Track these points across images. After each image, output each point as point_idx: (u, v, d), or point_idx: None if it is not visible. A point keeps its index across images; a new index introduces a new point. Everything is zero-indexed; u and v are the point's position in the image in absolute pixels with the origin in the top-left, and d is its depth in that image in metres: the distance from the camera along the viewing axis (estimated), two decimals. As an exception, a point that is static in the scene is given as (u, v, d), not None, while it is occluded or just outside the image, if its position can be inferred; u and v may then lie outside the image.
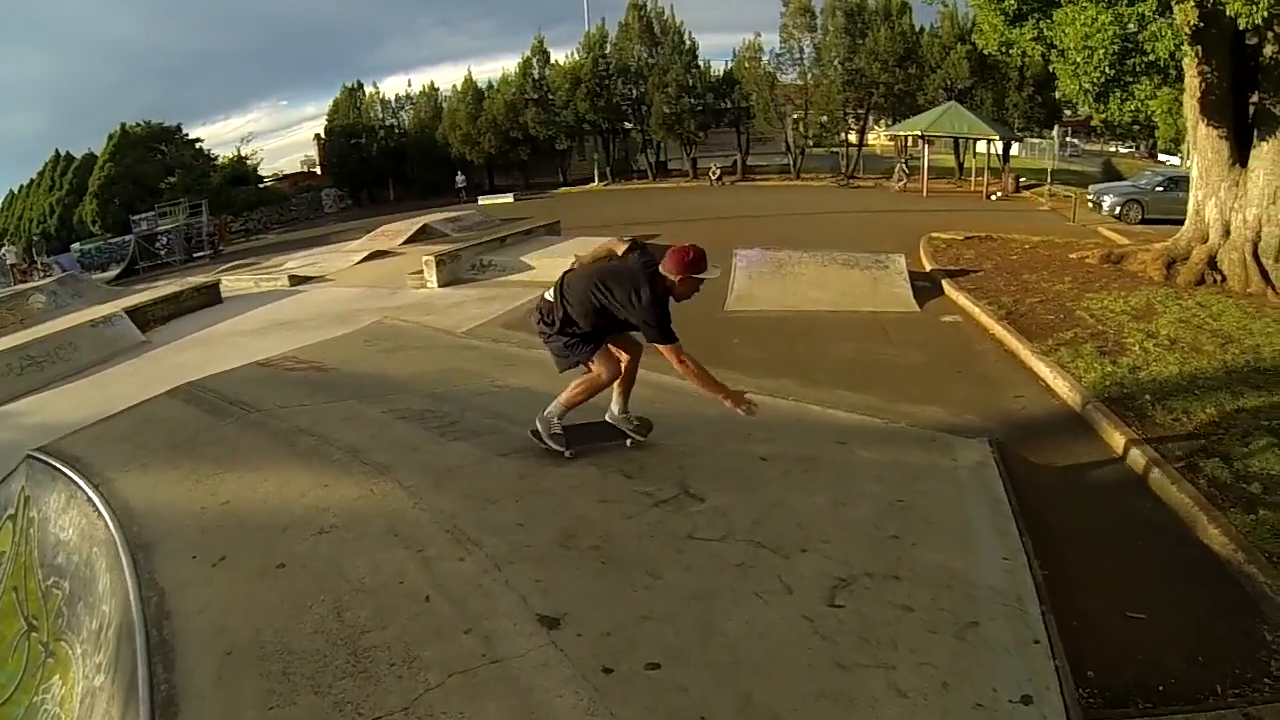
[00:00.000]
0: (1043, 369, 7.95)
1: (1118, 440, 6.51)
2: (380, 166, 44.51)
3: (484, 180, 43.08)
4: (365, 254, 17.13)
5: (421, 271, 13.13)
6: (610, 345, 4.78)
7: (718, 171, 37.79)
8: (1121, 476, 6.09)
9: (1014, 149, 34.00)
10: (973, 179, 31.16)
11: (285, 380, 7.51)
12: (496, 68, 50.43)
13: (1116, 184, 22.93)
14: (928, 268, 13.02)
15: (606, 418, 5.30)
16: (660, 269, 4.47)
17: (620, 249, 4.93)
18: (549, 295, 4.77)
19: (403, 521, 4.32)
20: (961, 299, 10.78)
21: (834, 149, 40.58)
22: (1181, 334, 9.06)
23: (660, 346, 4.46)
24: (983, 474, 5.45)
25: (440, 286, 12.68)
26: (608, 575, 3.92)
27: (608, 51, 39.41)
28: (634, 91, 39.77)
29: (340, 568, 3.93)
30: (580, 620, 3.50)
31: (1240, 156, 11.67)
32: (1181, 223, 19.33)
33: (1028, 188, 28.95)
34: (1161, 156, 43.88)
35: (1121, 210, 19.82)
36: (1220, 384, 7.85)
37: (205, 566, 4.08)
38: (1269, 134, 11.23)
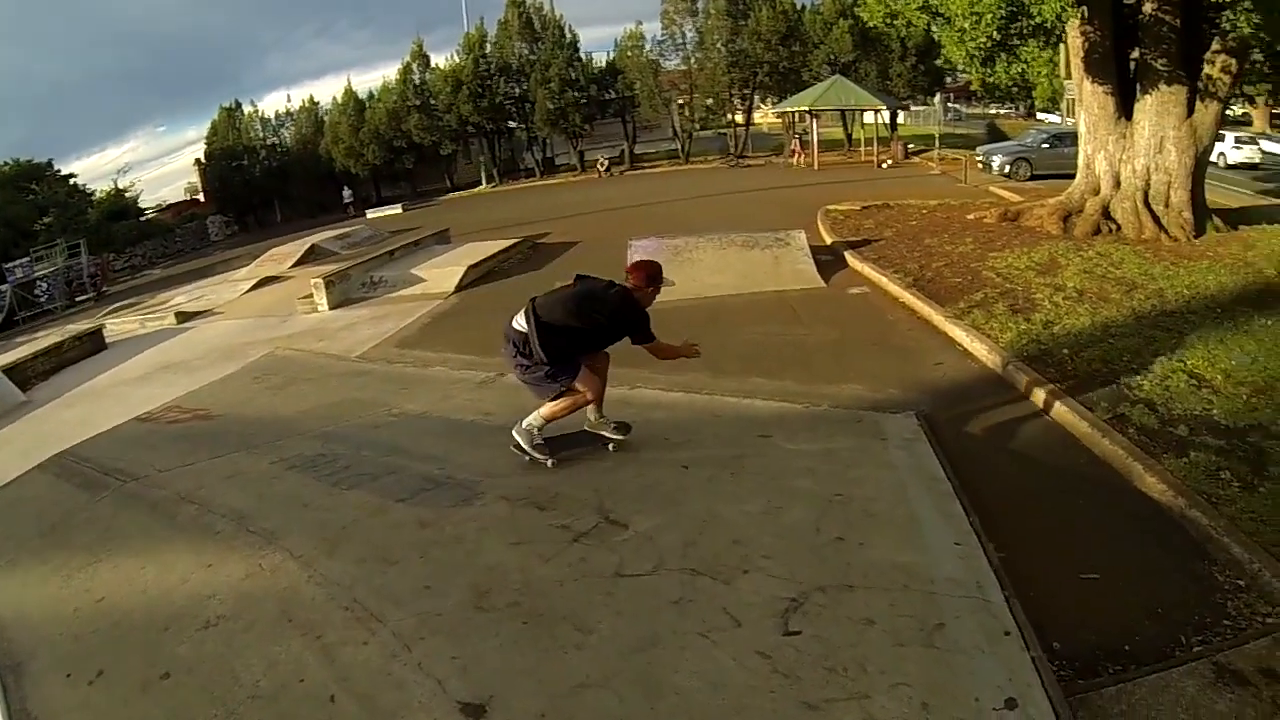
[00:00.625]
0: (958, 333, 7.97)
1: (1043, 398, 6.55)
2: (265, 188, 43.66)
3: (371, 193, 42.75)
4: (254, 282, 16.59)
5: (311, 295, 12.56)
6: (586, 364, 5.09)
7: (605, 163, 38.30)
8: (1052, 434, 6.15)
9: (900, 117, 35.40)
10: (862, 149, 32.21)
11: (167, 436, 7.13)
12: (378, 76, 49.66)
13: (1004, 144, 24.09)
14: (828, 241, 13.09)
15: (585, 426, 5.44)
16: (634, 288, 5.17)
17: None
18: (519, 325, 4.93)
19: (296, 601, 3.96)
20: (867, 269, 10.83)
21: (721, 130, 41.57)
22: (1087, 285, 9.34)
23: (649, 346, 5.16)
24: (915, 451, 5.31)
25: (332, 309, 12.25)
26: (533, 638, 3.51)
27: (488, 51, 39.63)
28: (517, 89, 40.08)
29: (231, 669, 3.47)
30: (508, 702, 3.09)
31: (1125, 110, 12.39)
32: (1068, 177, 20.49)
33: (917, 154, 30.10)
34: (1040, 115, 46.79)
35: (1011, 169, 20.78)
36: (1132, 331, 8.10)
37: (81, 686, 3.56)
38: (1151, 87, 11.91)
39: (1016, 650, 3.25)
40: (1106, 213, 12.31)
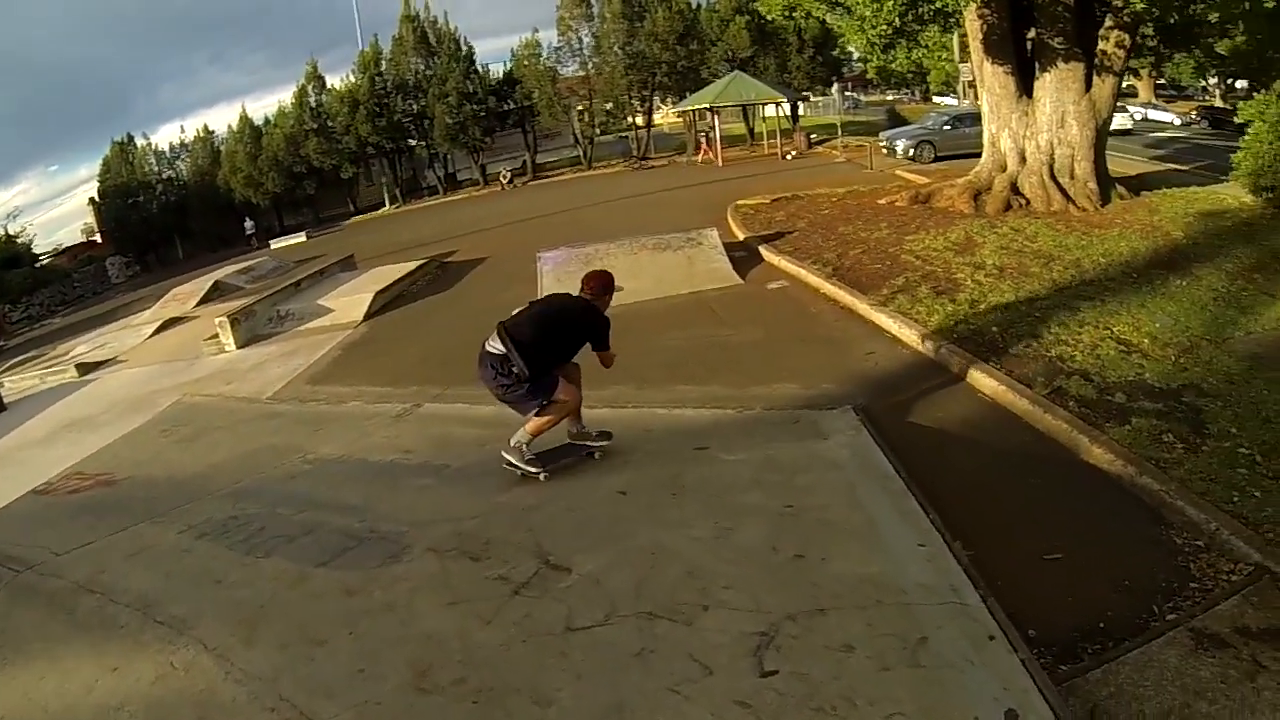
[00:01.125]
0: (885, 320, 7.96)
1: (981, 380, 6.56)
2: (164, 224, 41.52)
3: (274, 222, 41.32)
4: (157, 325, 15.66)
5: (217, 335, 11.86)
6: (561, 376, 5.29)
7: (508, 175, 38.05)
8: (994, 415, 6.16)
9: (801, 109, 36.23)
10: (765, 143, 32.72)
11: (67, 510, 6.51)
12: (274, 102, 48.02)
13: (907, 128, 24.84)
14: (741, 236, 13.07)
15: (568, 438, 5.62)
16: (592, 299, 5.48)
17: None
18: (494, 348, 5.10)
19: (215, 704, 3.53)
20: (784, 263, 10.81)
21: (622, 134, 41.90)
22: (1006, 261, 9.54)
23: (602, 354, 5.41)
24: (860, 448, 5.17)
25: (239, 348, 11.64)
26: (486, 718, 3.16)
27: (384, 69, 38.98)
28: (415, 106, 39.43)
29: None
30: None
31: (1025, 88, 12.93)
32: (971, 157, 21.28)
33: (820, 143, 30.83)
34: (936, 98, 48.81)
35: (915, 152, 21.39)
36: (1055, 303, 8.27)
37: None
38: (1049, 65, 12.44)
39: (1004, 654, 3.14)
40: (1015, 188, 12.72)
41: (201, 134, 42.87)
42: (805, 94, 36.56)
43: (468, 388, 7.75)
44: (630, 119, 39.99)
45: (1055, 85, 12.45)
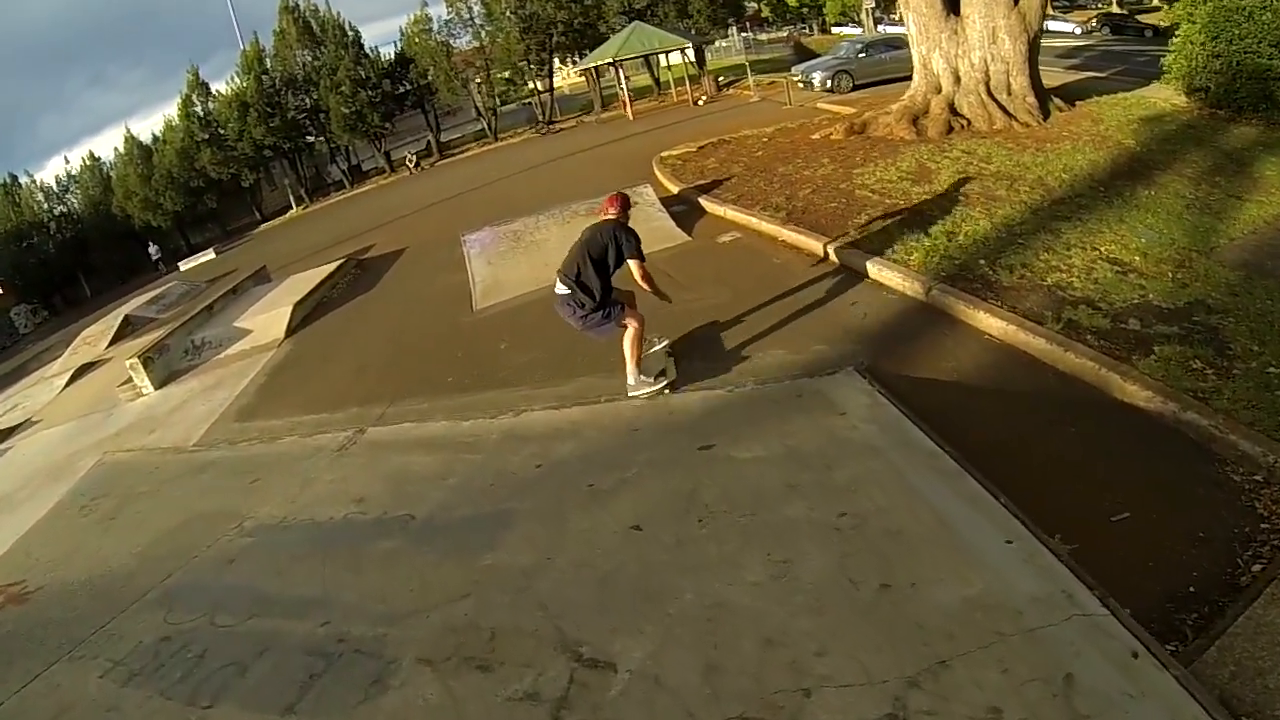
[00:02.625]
0: (861, 264, 7.16)
1: (985, 321, 5.87)
2: (63, 263, 38.29)
3: (180, 243, 38.70)
4: (69, 375, 13.72)
5: (131, 379, 10.19)
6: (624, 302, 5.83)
7: (414, 158, 35.97)
8: (1009, 359, 5.51)
9: (706, 54, 35.10)
10: (674, 91, 31.62)
11: None
12: (160, 118, 44.20)
13: (821, 59, 23.96)
14: (674, 189, 12.06)
15: (630, 395, 5.73)
16: (617, 219, 5.84)
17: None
18: (561, 291, 5.74)
19: None
20: (730, 212, 9.90)
21: (525, 100, 40.09)
22: (968, 187, 8.87)
23: (636, 262, 5.66)
24: (888, 423, 4.38)
25: (158, 388, 10.13)
26: None
27: (270, 66, 36.30)
28: (307, 101, 37.02)
29: None
30: None
31: (952, 6, 12.20)
32: (889, 83, 20.84)
33: (729, 85, 29.89)
34: (835, 29, 48.38)
35: (833, 83, 20.63)
36: (1034, 226, 7.65)
37: None
38: None
39: (1155, 674, 2.60)
40: (953, 109, 12.08)
41: (88, 162, 39.71)
42: (709, 38, 35.35)
43: (411, 400, 6.89)
44: (531, 84, 38.14)
45: (983, 1, 11.84)
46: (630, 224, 5.91)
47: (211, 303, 12.60)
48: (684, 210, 10.58)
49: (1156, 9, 37.34)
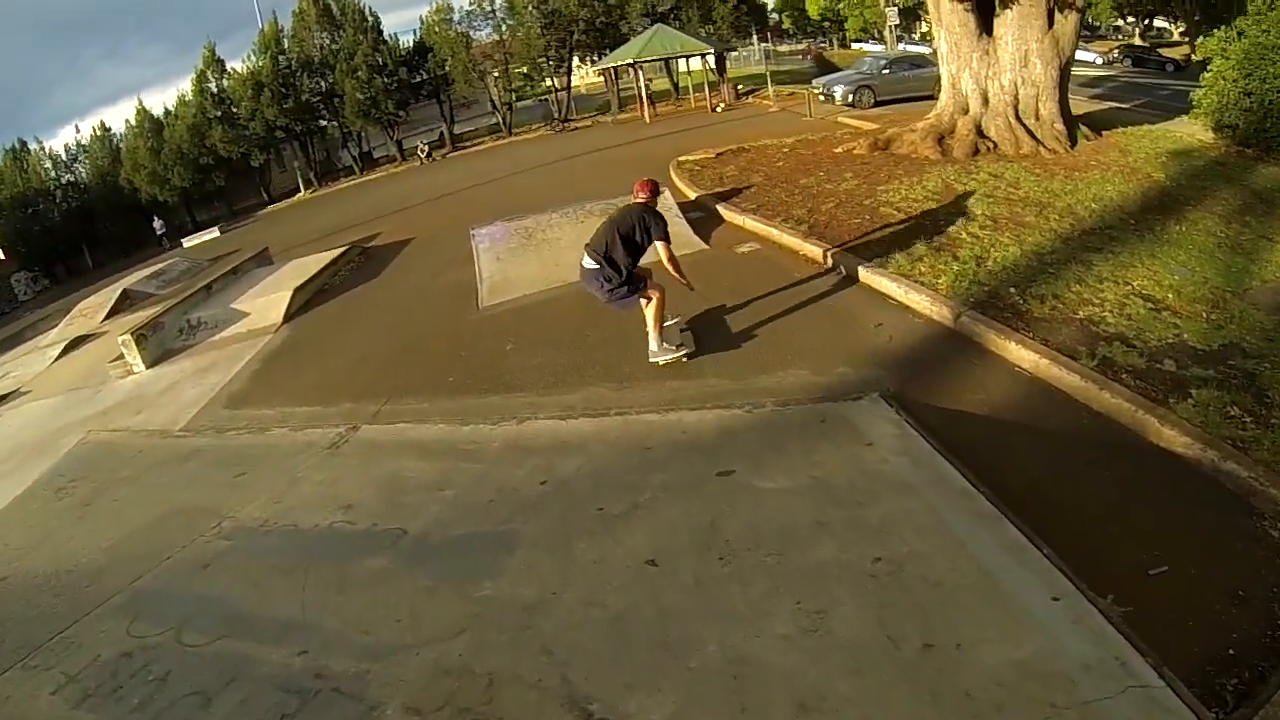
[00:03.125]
0: (887, 284, 6.90)
1: (1016, 352, 5.63)
2: (68, 232, 37.80)
3: (185, 219, 38.31)
4: (63, 346, 13.44)
5: (123, 355, 9.88)
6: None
7: (425, 148, 35.53)
8: (1041, 394, 5.27)
9: (726, 61, 34.86)
10: (691, 97, 31.39)
11: None
12: (174, 93, 43.58)
13: (843, 73, 23.69)
14: (692, 195, 11.81)
15: (652, 359, 6.20)
16: (646, 202, 6.27)
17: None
18: (590, 265, 6.06)
19: None
20: (749, 222, 9.64)
21: (542, 97, 39.69)
22: (996, 211, 8.62)
23: (663, 244, 6.06)
24: (919, 456, 4.12)
25: (149, 367, 9.79)
26: None
27: (287, 47, 35.84)
28: (323, 84, 36.55)
29: None
30: None
31: (985, 26, 11.96)
32: (912, 101, 20.62)
33: (748, 94, 29.65)
34: (855, 45, 48.13)
35: (854, 97, 20.38)
36: (1064, 255, 7.39)
37: None
38: (1011, 1, 11.50)
39: None
40: (980, 131, 11.84)
41: (99, 132, 39.10)
42: (731, 45, 35.10)
43: (409, 398, 6.58)
44: (549, 81, 37.78)
45: (1018, 22, 11.59)
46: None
47: (210, 282, 12.31)
48: (701, 217, 10.33)
49: (1178, 43, 37.26)
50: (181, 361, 9.70)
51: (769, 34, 48.38)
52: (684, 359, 6.10)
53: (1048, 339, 5.77)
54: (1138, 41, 38.79)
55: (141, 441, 7.10)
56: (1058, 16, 11.61)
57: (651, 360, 6.10)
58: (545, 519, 4.12)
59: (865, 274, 7.16)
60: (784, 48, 56.75)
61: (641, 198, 6.29)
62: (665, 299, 6.14)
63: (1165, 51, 34.56)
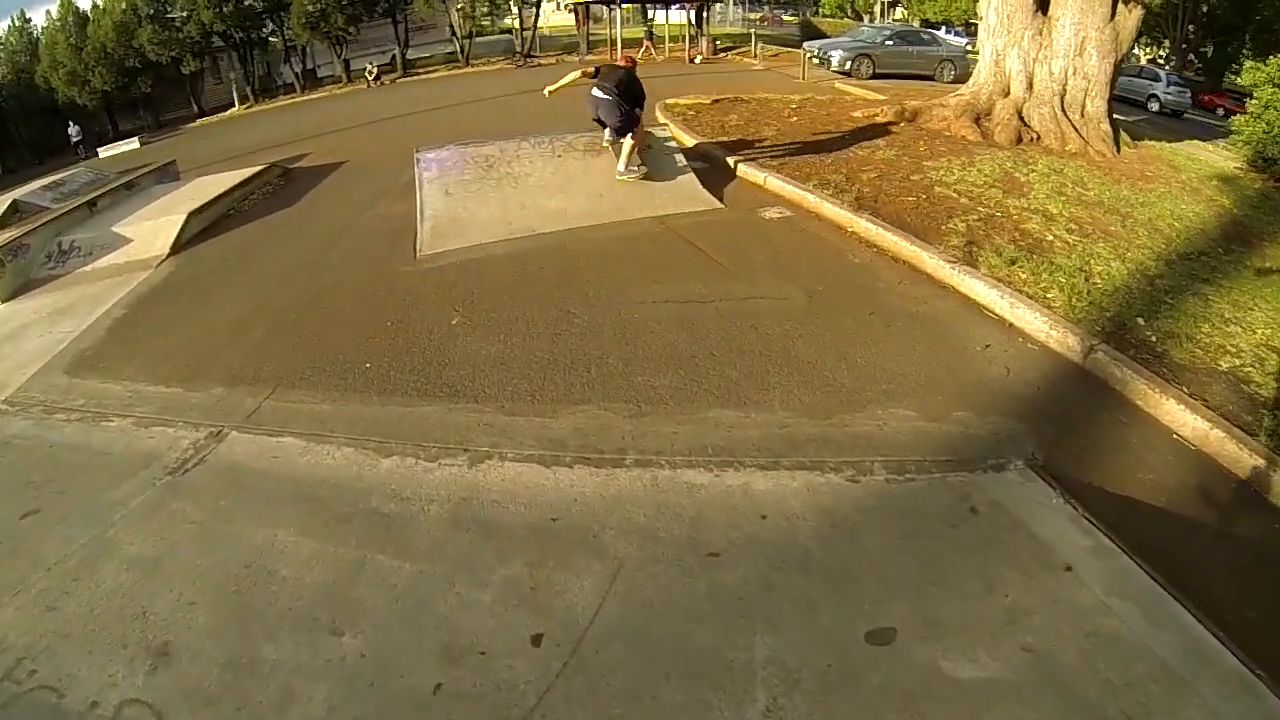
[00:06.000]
0: (983, 292, 5.10)
1: (1173, 414, 4.05)
2: None
3: (107, 127, 33.20)
4: None
5: None
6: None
7: (374, 70, 31.44)
8: (1214, 477, 3.68)
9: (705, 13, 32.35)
10: (666, 47, 28.89)
11: None
12: None
13: (841, 39, 21.64)
14: (690, 142, 9.72)
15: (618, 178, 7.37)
16: (628, 67, 7.54)
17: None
18: (604, 96, 7.18)
19: None
20: (772, 182, 7.66)
21: (505, 31, 36.03)
22: (1074, 212, 6.96)
23: (639, 111, 7.42)
24: (1146, 599, 2.53)
25: (4, 301, 7.20)
26: None
27: None
28: None
29: None
30: None
31: (1041, 3, 10.24)
32: (913, 78, 18.94)
33: (726, 50, 27.49)
34: (828, 19, 46.28)
35: (852, 65, 18.47)
36: (1173, 281, 5.80)
37: None
38: None
39: None
40: (1021, 118, 10.19)
41: (16, 23, 33.74)
42: (716, -7, 32.54)
43: (305, 390, 4.33)
44: (515, 14, 34.10)
45: (1079, 5, 9.86)
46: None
47: (95, 198, 9.49)
48: (705, 168, 8.27)
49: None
50: (40, 297, 7.06)
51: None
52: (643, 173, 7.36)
53: (1205, 397, 4.15)
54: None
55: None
56: (1120, 7, 9.97)
57: (618, 178, 7.16)
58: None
59: (949, 275, 5.33)
60: (754, 15, 54.29)
61: (623, 64, 7.51)
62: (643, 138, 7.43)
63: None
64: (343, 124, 17.57)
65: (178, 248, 7.69)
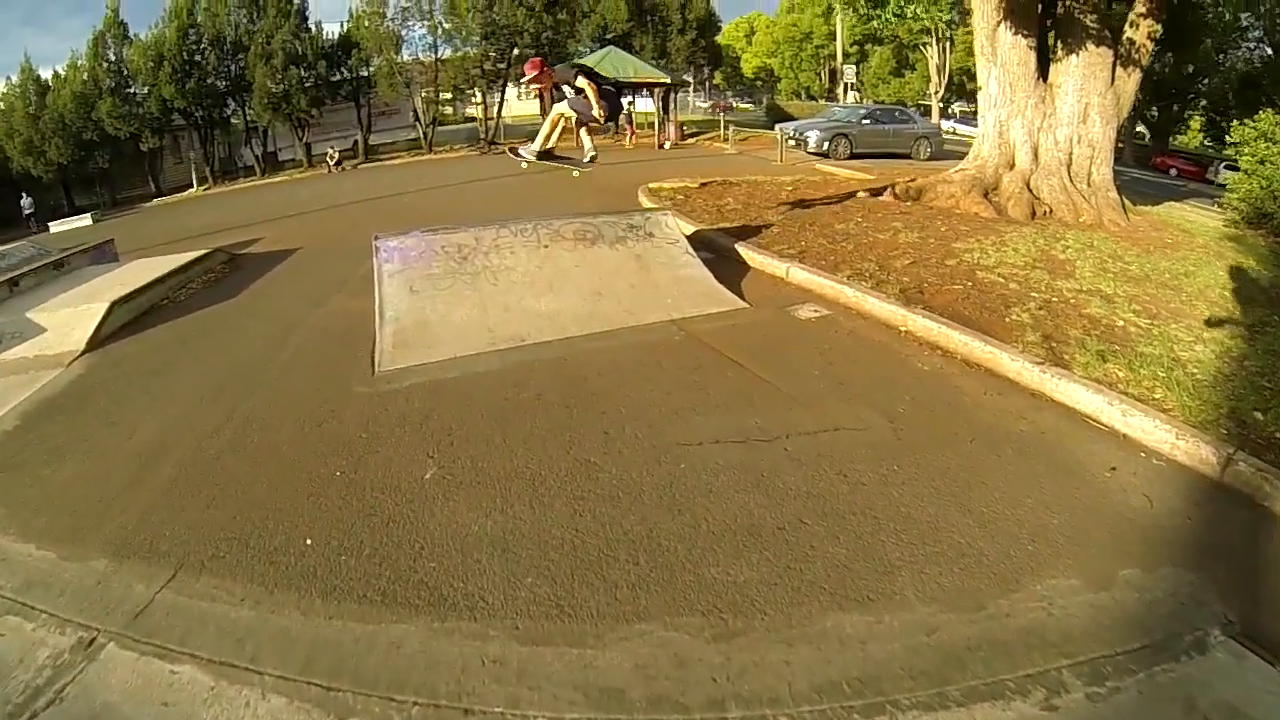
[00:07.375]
0: (1085, 398, 4.32)
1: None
2: None
3: (62, 200, 32.47)
4: None
5: None
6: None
7: (335, 155, 31.21)
8: None
9: (672, 100, 32.68)
10: (631, 134, 28.92)
11: None
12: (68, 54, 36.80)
13: (816, 120, 21.60)
14: (688, 229, 9.06)
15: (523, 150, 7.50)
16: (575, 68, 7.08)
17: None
18: (572, 94, 6.89)
19: None
20: (798, 274, 6.94)
21: (468, 119, 36.21)
22: (1131, 291, 6.37)
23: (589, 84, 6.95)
24: None
25: None
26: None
27: (199, 20, 30.74)
28: (232, 68, 31.67)
29: None
30: None
31: (1042, 70, 10.03)
32: (889, 157, 18.80)
33: (693, 135, 27.58)
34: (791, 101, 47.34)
35: (829, 146, 18.37)
36: (1262, 362, 5.13)
37: None
38: (1077, 46, 9.65)
39: None
40: (1029, 189, 9.79)
41: None
42: (685, 80, 32.89)
43: (219, 578, 3.06)
44: (481, 98, 34.07)
45: (1081, 71, 9.65)
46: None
47: (17, 276, 8.51)
48: (712, 259, 7.52)
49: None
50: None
51: (707, 86, 47.00)
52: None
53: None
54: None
55: None
56: (1119, 71, 9.75)
57: (523, 151, 7.37)
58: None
59: (1040, 378, 4.61)
60: (704, 104, 55.51)
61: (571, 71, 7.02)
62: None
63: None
64: (301, 208, 16.88)
65: (95, 343, 6.59)
